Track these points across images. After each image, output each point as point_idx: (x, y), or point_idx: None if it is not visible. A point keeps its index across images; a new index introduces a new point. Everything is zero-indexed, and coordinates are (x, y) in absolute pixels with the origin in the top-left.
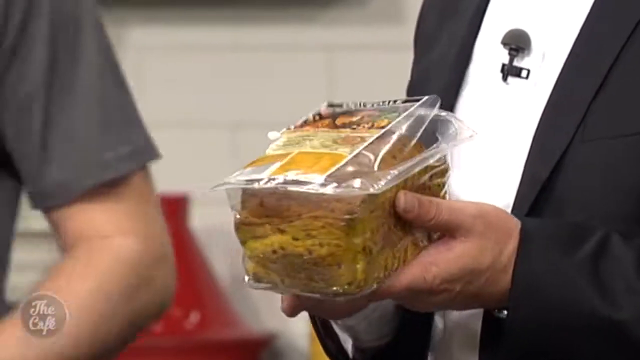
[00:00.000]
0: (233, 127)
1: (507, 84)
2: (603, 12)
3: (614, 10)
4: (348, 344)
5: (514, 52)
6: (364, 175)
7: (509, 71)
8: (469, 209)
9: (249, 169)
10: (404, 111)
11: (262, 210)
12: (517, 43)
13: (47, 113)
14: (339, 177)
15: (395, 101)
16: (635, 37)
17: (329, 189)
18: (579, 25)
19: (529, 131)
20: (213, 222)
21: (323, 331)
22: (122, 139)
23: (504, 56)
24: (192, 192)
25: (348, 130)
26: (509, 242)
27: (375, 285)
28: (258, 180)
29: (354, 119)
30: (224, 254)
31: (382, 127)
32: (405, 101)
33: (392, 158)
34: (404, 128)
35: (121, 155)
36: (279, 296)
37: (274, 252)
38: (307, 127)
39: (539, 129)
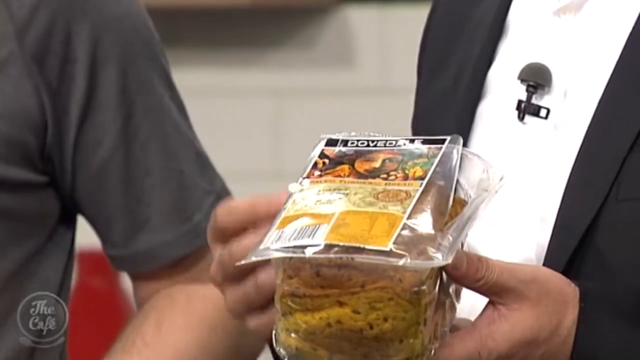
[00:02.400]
0: None
1: (524, 123)
2: (638, 55)
3: None
4: None
5: (532, 89)
6: (427, 240)
7: (527, 109)
8: (523, 272)
9: (288, 231)
10: (433, 156)
11: (317, 280)
12: (536, 79)
13: (127, 175)
14: (405, 244)
15: (412, 140)
16: None
17: (408, 261)
18: (608, 65)
19: (556, 184)
20: None
21: None
22: (207, 190)
23: (520, 92)
24: None
25: (381, 181)
26: (567, 312)
27: (426, 357)
28: (311, 247)
29: (376, 164)
30: None
31: (420, 178)
32: (425, 141)
33: (440, 215)
34: (441, 177)
35: (208, 211)
36: None
37: (329, 325)
38: (328, 176)
39: (570, 185)
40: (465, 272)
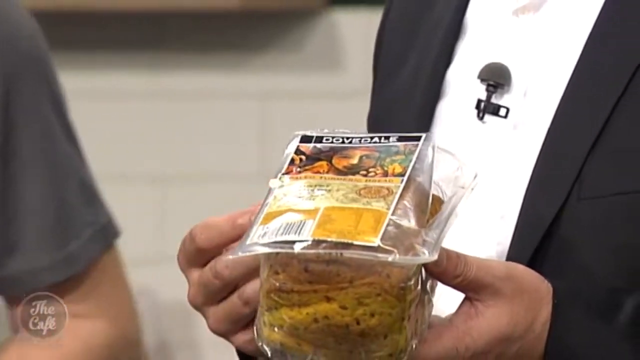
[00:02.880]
0: (158, 181)
1: (484, 122)
2: (599, 54)
3: (611, 53)
4: None
5: (492, 88)
6: (412, 236)
7: (486, 109)
8: (499, 268)
9: (271, 226)
10: (410, 153)
11: (305, 275)
12: (496, 78)
13: (2, 199)
14: (392, 239)
15: (387, 137)
16: (635, 83)
17: (397, 257)
18: (568, 64)
19: (517, 182)
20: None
21: None
22: (89, 222)
23: (480, 91)
24: None
25: (361, 178)
26: (542, 309)
27: (408, 353)
28: (299, 242)
29: (353, 161)
30: (150, 316)
31: (400, 175)
32: (400, 138)
33: (422, 212)
34: (419, 174)
35: (86, 241)
36: None
37: (316, 320)
38: (307, 172)
39: (532, 183)
40: (445, 269)
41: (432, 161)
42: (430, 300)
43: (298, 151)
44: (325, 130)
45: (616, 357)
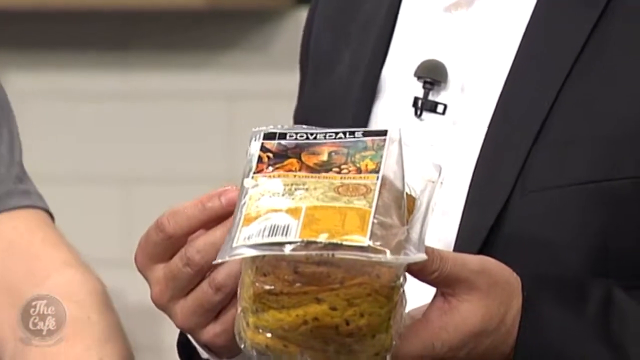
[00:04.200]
0: (124, 182)
1: (422, 119)
2: (536, 46)
3: (550, 43)
4: None
5: (429, 85)
6: (398, 234)
7: (424, 106)
8: (473, 262)
9: (255, 227)
10: (379, 148)
11: (295, 277)
12: (432, 75)
13: None
14: (379, 239)
15: (352, 132)
16: (577, 72)
17: (389, 257)
18: (505, 58)
19: (458, 179)
20: None
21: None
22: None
23: (416, 89)
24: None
25: (336, 175)
26: (513, 302)
27: (391, 352)
28: (288, 244)
29: (323, 157)
30: None
31: (374, 171)
32: (366, 133)
33: (399, 208)
34: (391, 170)
35: (34, 192)
36: None
37: (305, 322)
38: (279, 171)
39: (475, 180)
40: (423, 265)
41: (401, 156)
42: (404, 298)
43: (264, 148)
44: (286, 127)
45: (586, 347)
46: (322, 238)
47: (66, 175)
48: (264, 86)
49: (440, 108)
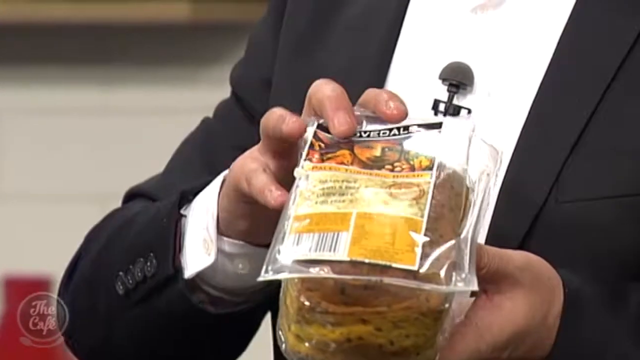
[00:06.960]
0: (103, 200)
1: None
2: (575, 52)
3: (589, 50)
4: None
5: (454, 89)
6: (450, 253)
7: (447, 110)
8: (519, 258)
9: (305, 239)
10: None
11: (342, 298)
12: (458, 78)
13: None
14: (430, 260)
15: (406, 127)
16: (614, 87)
17: (439, 287)
18: (538, 63)
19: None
20: None
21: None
22: None
23: (435, 91)
24: (56, 274)
25: (388, 173)
26: (555, 302)
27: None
28: (335, 264)
29: (376, 152)
30: None
31: (428, 168)
32: (421, 126)
33: (453, 210)
34: (447, 165)
35: None
36: None
37: (349, 340)
38: (330, 162)
39: (505, 188)
40: None
41: (466, 149)
42: (451, 309)
43: (316, 137)
44: None
45: (625, 349)
46: (371, 258)
47: (46, 192)
48: None
49: (464, 112)
